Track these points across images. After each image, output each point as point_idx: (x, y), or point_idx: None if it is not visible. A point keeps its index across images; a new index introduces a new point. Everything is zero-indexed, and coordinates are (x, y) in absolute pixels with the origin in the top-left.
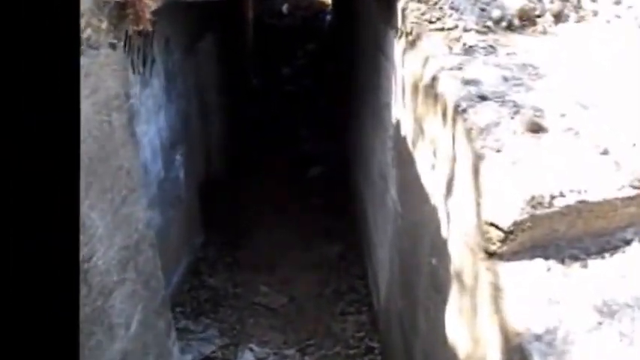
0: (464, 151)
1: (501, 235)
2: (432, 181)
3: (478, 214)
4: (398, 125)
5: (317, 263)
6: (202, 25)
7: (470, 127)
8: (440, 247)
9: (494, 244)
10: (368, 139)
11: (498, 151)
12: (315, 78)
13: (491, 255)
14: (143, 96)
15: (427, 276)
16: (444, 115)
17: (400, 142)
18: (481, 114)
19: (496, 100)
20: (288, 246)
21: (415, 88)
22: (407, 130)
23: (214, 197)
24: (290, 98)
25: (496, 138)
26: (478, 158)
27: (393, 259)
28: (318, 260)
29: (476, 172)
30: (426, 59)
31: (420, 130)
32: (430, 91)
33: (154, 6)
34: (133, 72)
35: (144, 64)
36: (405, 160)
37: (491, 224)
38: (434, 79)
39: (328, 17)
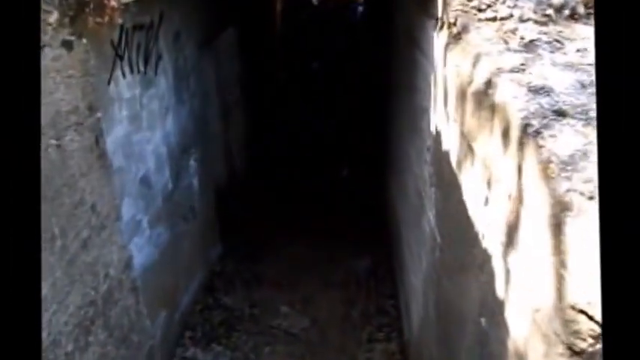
0: (537, 192)
1: (596, 330)
2: (484, 219)
3: (559, 291)
4: (438, 137)
5: (343, 280)
6: (222, 17)
7: (547, 159)
8: (493, 309)
9: (583, 339)
10: (403, 145)
11: (592, 198)
12: (347, 74)
13: (576, 353)
14: (145, 98)
15: (473, 336)
16: (506, 135)
17: (441, 157)
18: (561, 139)
19: (578, 117)
20: (313, 259)
21: (462, 93)
22: (450, 144)
23: (234, 204)
24: (320, 95)
25: (586, 178)
26: (561, 208)
27: (427, 294)
28: (344, 276)
29: (557, 228)
30: (477, 57)
31: (468, 148)
32: (484, 99)
33: None
34: (131, 71)
35: (146, 62)
36: (446, 182)
37: (581, 311)
38: (488, 84)
39: (360, 8)
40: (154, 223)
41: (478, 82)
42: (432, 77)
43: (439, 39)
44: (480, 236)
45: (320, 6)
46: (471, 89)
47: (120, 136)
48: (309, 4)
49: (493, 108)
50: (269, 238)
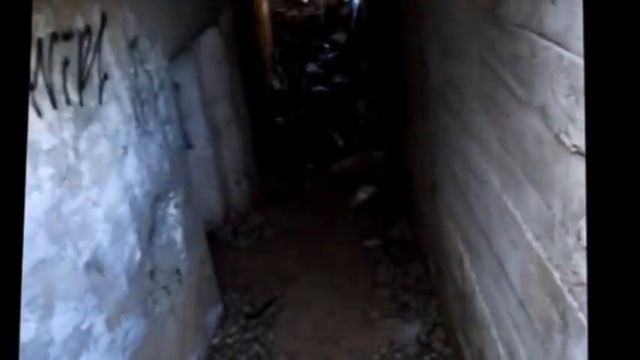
0: None
1: None
2: None
3: None
4: None
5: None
6: (201, 17)
7: None
8: None
9: None
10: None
11: None
12: (348, 75)
13: None
14: (84, 141)
15: None
16: None
17: None
18: None
19: None
20: (342, 324)
21: None
22: None
23: (236, 245)
24: (320, 101)
25: None
26: None
27: None
28: (386, 352)
29: None
30: None
31: None
32: None
33: None
34: (54, 105)
35: (81, 87)
36: None
37: None
38: None
39: (357, 1)
40: (115, 320)
41: None
42: None
43: None
44: None
45: (311, 3)
46: None
47: (40, 209)
48: (300, 2)
49: None
50: (281, 287)
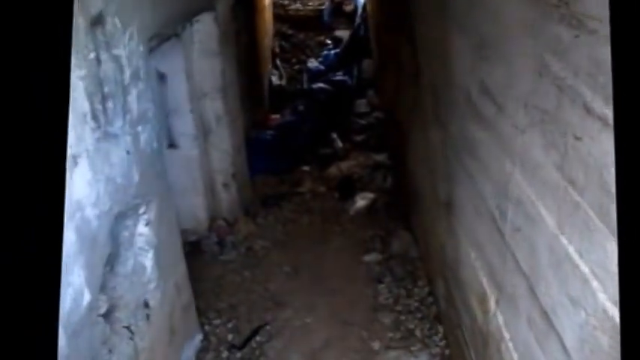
0: None
1: None
2: None
3: None
4: None
5: None
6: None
7: None
8: None
9: None
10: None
11: None
12: (350, 73)
13: None
14: None
15: None
16: None
17: None
18: None
19: None
20: (341, 357)
21: None
22: None
23: (222, 257)
24: (320, 99)
25: None
26: None
27: None
28: None
29: None
30: None
31: None
32: None
33: None
34: None
35: None
36: None
37: None
38: None
39: None
40: None
41: None
42: None
43: None
44: None
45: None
46: None
47: None
48: None
49: None
50: (271, 310)
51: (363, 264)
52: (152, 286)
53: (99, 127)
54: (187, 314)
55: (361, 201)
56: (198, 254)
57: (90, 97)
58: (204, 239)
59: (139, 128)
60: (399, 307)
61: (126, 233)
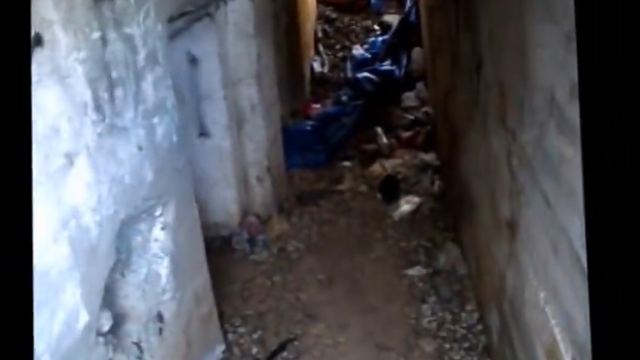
0: None
1: None
2: None
3: None
4: None
5: None
6: None
7: None
8: None
9: None
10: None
11: None
12: (398, 62)
13: None
14: None
15: None
16: None
17: None
18: None
19: None
20: None
21: None
22: None
23: (252, 257)
24: (366, 91)
25: None
26: None
27: None
28: None
29: None
30: None
31: None
32: None
33: None
34: None
35: None
36: None
37: None
38: None
39: None
40: None
41: None
42: None
43: None
44: None
45: None
46: None
47: None
48: None
49: None
50: (299, 324)
51: (405, 278)
52: (167, 296)
53: (103, 119)
54: (208, 325)
55: (406, 205)
56: (228, 252)
57: (92, 83)
58: (235, 235)
59: (155, 120)
60: (443, 333)
61: (139, 238)
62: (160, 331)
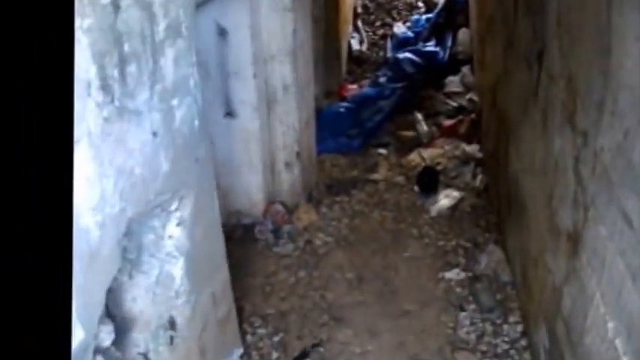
0: None
1: None
2: None
3: None
4: None
5: None
6: None
7: None
8: None
9: None
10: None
11: None
12: (443, 44)
13: None
14: None
15: None
16: None
17: None
18: None
19: None
20: None
21: None
22: None
23: (276, 249)
24: (407, 73)
25: None
26: None
27: None
28: None
29: None
30: None
31: None
32: None
33: None
34: None
35: None
36: None
37: None
38: None
39: None
40: None
41: None
42: None
43: None
44: None
45: None
46: None
47: None
48: None
49: None
50: (324, 328)
51: (442, 282)
52: (180, 300)
53: (111, 100)
54: (225, 328)
55: (445, 200)
56: (250, 242)
57: (99, 58)
58: (259, 225)
59: (174, 102)
60: (482, 347)
61: (151, 236)
62: (171, 339)
